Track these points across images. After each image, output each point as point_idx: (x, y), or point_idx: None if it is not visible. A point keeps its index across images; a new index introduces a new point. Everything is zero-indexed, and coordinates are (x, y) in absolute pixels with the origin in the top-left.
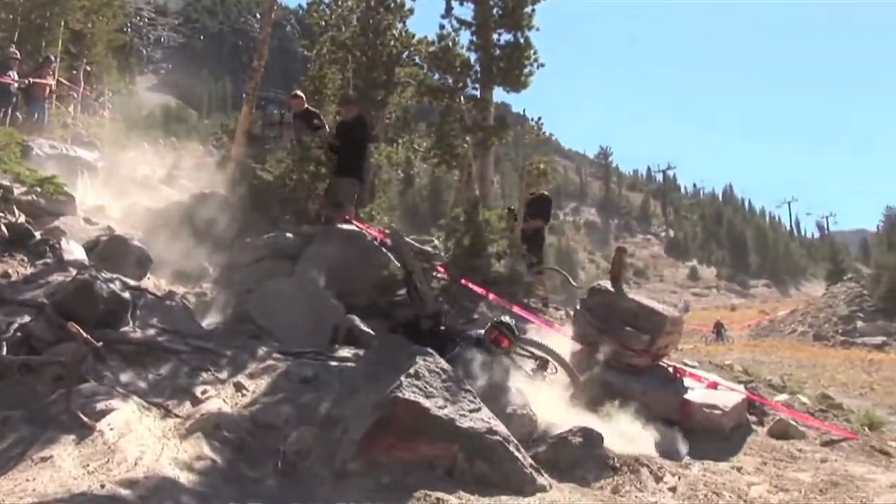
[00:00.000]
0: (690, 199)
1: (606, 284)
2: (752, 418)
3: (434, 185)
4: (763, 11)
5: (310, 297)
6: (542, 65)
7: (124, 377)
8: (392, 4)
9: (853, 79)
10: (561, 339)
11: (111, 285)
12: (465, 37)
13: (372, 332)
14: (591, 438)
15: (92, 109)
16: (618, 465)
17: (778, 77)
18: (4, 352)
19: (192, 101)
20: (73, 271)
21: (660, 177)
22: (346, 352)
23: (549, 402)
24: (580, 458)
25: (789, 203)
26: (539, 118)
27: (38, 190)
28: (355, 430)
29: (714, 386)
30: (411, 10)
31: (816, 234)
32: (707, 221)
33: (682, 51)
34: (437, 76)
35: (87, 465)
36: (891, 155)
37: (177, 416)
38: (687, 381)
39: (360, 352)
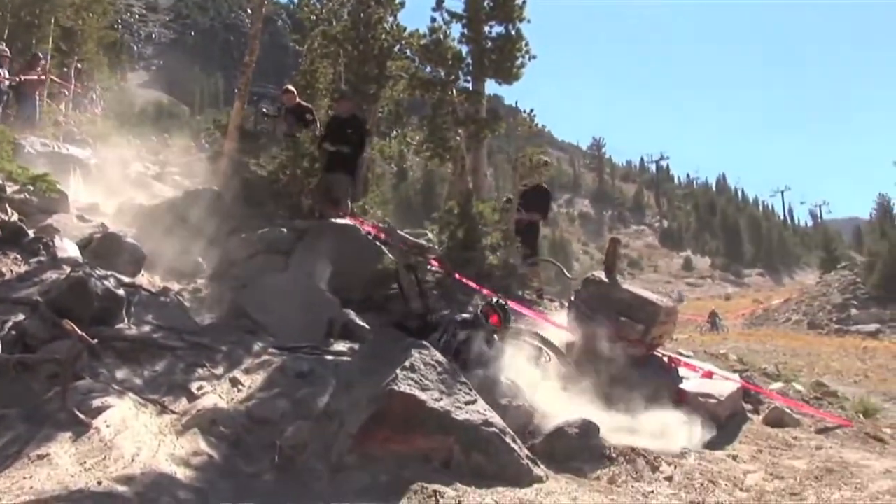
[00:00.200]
0: (684, 190)
1: (601, 275)
2: (748, 407)
3: (427, 178)
4: (755, 2)
5: (304, 291)
6: (534, 56)
7: (120, 374)
8: None
9: (844, 67)
10: (556, 331)
11: (105, 282)
12: (456, 29)
13: (367, 326)
14: (587, 429)
15: (83, 107)
16: (614, 455)
17: (770, 66)
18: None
19: (184, 98)
20: (67, 269)
21: (653, 167)
22: (341, 346)
23: (546, 392)
24: (576, 448)
25: (782, 192)
26: (531, 110)
27: (31, 188)
28: (351, 423)
29: (709, 375)
30: (402, 4)
31: (810, 223)
32: (701, 211)
33: (674, 41)
34: (428, 69)
35: (84, 463)
36: (883, 142)
37: (173, 412)
38: (682, 371)
39: (356, 346)
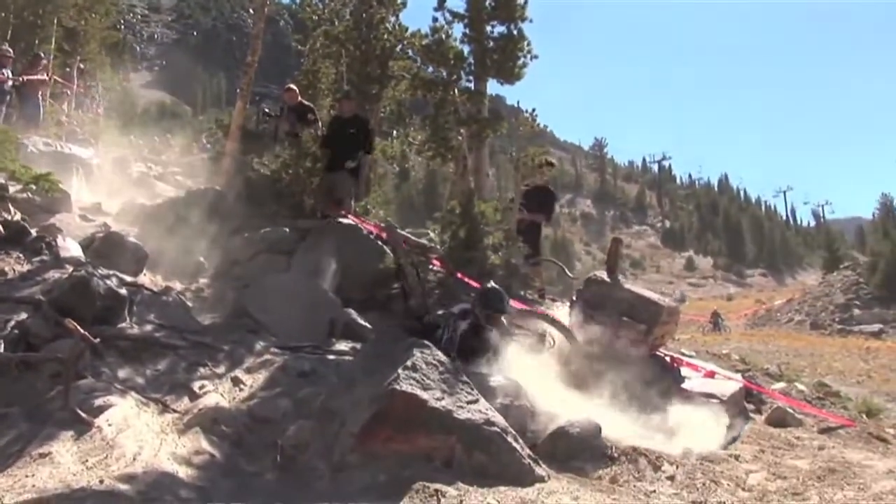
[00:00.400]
0: (686, 190)
1: (603, 275)
2: (750, 406)
3: (429, 178)
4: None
5: (306, 291)
6: (536, 56)
7: (122, 373)
8: None
9: (847, 67)
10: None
11: (108, 282)
12: (458, 29)
13: (369, 326)
14: (589, 429)
15: (86, 107)
16: (616, 454)
17: (772, 66)
18: (2, 349)
19: (186, 98)
20: (70, 268)
21: (655, 167)
22: (343, 345)
23: (547, 390)
24: (578, 448)
25: (785, 192)
26: (533, 110)
27: (34, 187)
28: (353, 423)
29: (711, 375)
30: (404, 4)
31: (812, 223)
32: (703, 211)
33: (675, 41)
34: (430, 69)
35: (86, 461)
36: (885, 143)
37: (175, 411)
38: (684, 371)
39: (358, 345)
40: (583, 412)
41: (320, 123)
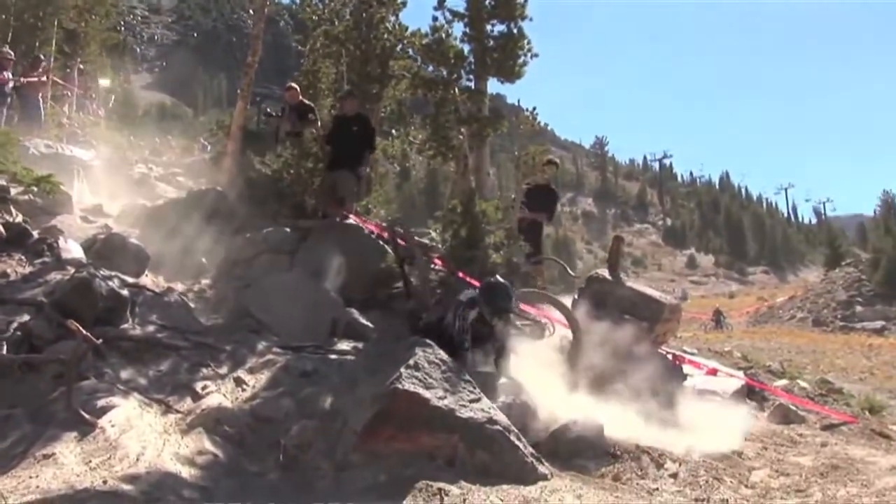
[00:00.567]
0: (687, 188)
1: (604, 273)
2: (753, 404)
3: (430, 177)
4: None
5: (308, 291)
6: (536, 55)
7: (124, 374)
8: None
9: (847, 64)
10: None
11: (110, 283)
12: (458, 28)
13: (371, 325)
14: (592, 427)
15: (87, 108)
16: (618, 452)
17: (773, 64)
18: (5, 350)
19: (187, 99)
20: (72, 269)
21: (656, 165)
22: (345, 345)
23: (550, 389)
24: (581, 446)
25: (786, 189)
26: (534, 108)
27: (35, 189)
28: (355, 422)
29: (714, 372)
30: (404, 3)
31: (814, 220)
32: (704, 209)
33: (676, 39)
34: (431, 68)
35: (90, 462)
36: (887, 140)
37: (177, 411)
38: (687, 368)
39: (360, 344)
40: (587, 410)
41: (320, 123)
